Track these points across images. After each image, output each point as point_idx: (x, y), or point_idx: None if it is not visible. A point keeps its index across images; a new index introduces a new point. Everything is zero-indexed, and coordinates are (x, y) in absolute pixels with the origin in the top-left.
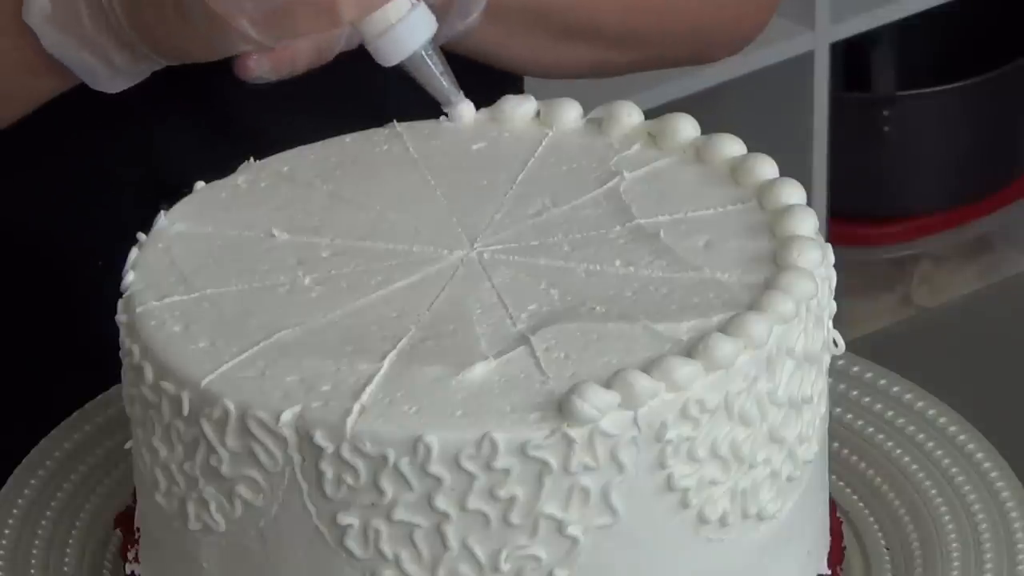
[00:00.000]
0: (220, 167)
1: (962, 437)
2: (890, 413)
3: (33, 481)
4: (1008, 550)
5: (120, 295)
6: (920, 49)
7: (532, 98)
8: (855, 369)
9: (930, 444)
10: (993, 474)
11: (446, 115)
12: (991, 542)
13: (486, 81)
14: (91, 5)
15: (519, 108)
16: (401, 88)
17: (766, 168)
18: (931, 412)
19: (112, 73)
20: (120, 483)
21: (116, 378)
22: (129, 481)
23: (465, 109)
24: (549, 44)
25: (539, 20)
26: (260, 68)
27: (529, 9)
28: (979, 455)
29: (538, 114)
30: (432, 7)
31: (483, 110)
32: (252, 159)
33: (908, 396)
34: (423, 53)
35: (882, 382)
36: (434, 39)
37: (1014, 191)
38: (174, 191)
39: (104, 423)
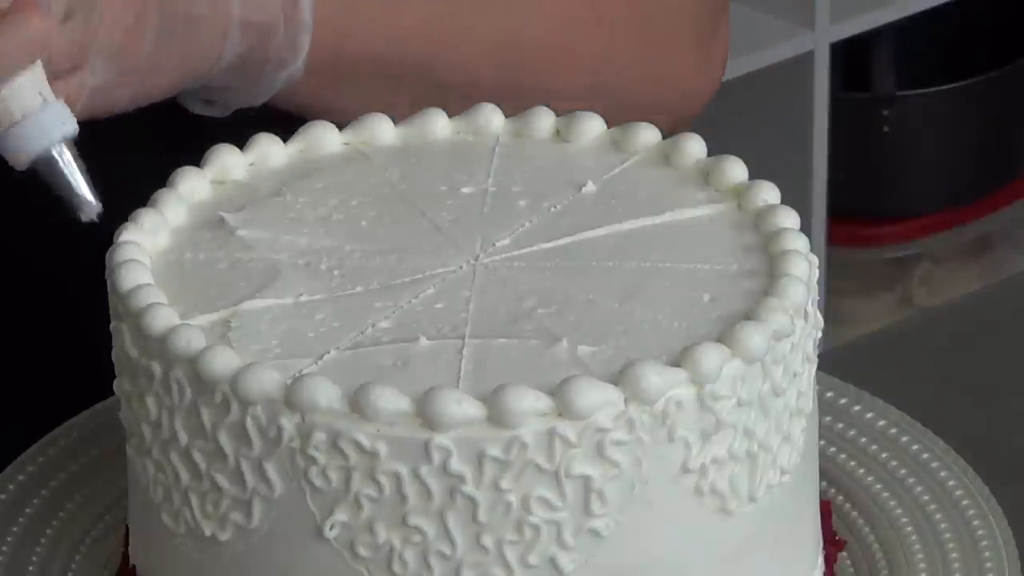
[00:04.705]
0: None
1: (937, 467)
2: (863, 439)
3: (27, 511)
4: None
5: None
6: (920, 49)
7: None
8: (829, 395)
9: (911, 480)
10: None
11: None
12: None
13: None
14: None
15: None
16: None
17: (737, 170)
18: (904, 439)
19: None
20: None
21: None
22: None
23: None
24: (412, 102)
25: (399, 78)
26: None
27: (385, 66)
28: (958, 492)
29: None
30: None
31: (455, 118)
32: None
33: (882, 423)
34: (55, 156)
35: (856, 408)
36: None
37: (1014, 191)
38: None
39: (97, 429)
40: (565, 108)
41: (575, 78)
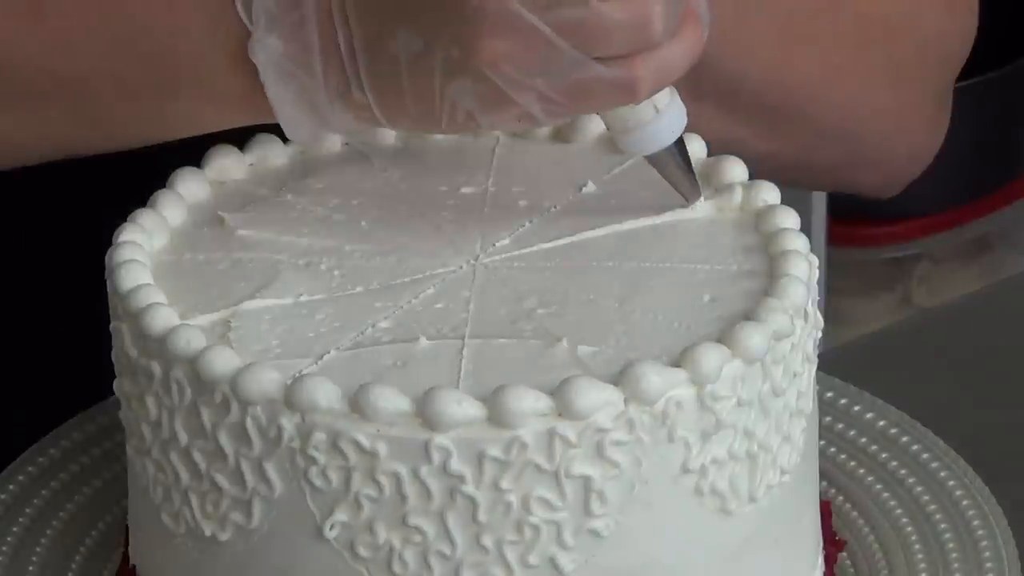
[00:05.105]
0: None
1: (937, 467)
2: (863, 439)
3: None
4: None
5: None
6: None
7: None
8: (829, 395)
9: (911, 480)
10: (970, 512)
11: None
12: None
13: None
14: (329, 74)
15: None
16: None
17: (737, 170)
18: (904, 439)
19: (315, 131)
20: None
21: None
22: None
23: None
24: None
25: None
26: None
27: None
28: (958, 493)
29: None
30: None
31: None
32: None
33: (882, 423)
34: (674, 148)
35: (856, 408)
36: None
37: (1014, 191)
38: None
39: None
40: (808, 152)
41: (828, 114)
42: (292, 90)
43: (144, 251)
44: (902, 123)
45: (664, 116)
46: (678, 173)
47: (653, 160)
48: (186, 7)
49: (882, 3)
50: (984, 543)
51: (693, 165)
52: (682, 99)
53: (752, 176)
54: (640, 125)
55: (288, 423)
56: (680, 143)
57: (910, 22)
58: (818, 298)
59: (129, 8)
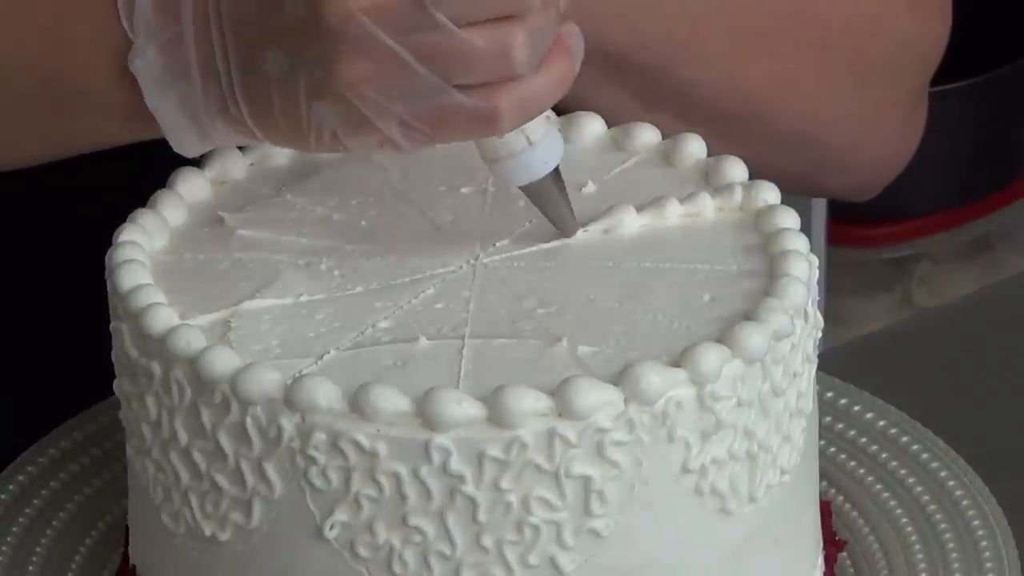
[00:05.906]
0: None
1: (937, 467)
2: (863, 439)
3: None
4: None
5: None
6: None
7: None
8: (829, 395)
9: (911, 480)
10: (970, 512)
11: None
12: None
13: None
14: (208, 89)
15: None
16: None
17: (737, 170)
18: (904, 439)
19: (199, 143)
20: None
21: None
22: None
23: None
24: (632, 108)
25: (622, 73)
26: None
27: (613, 56)
28: (958, 492)
29: None
30: None
31: None
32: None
33: (882, 423)
34: (549, 179)
35: (856, 408)
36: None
37: (1014, 191)
38: None
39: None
40: (768, 158)
41: (788, 121)
42: (173, 102)
43: (144, 251)
44: (870, 128)
45: (538, 148)
46: (553, 206)
47: (527, 191)
48: (72, 19)
49: (847, 9)
50: (984, 543)
51: (693, 164)
52: (634, 105)
53: None
54: (511, 155)
55: (288, 423)
56: (557, 175)
57: (876, 27)
58: (818, 298)
59: (15, 24)
